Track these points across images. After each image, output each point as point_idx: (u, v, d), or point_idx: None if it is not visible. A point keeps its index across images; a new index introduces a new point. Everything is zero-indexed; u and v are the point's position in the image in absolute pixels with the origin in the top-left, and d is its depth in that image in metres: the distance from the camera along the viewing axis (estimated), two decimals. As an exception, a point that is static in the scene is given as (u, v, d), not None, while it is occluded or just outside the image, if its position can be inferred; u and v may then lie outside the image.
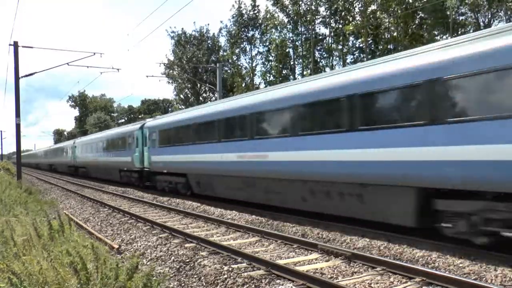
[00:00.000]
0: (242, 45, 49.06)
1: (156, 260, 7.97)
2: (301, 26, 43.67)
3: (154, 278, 5.16)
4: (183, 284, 6.52)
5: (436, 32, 34.49)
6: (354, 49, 41.86)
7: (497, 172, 6.89)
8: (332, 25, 41.88)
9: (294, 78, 41.47)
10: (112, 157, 27.06)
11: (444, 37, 32.72)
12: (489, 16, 32.67)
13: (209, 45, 54.46)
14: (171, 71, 56.08)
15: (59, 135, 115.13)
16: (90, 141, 35.02)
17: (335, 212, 10.37)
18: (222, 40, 54.48)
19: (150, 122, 22.75)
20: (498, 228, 7.11)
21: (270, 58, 47.23)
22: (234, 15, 48.26)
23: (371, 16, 37.02)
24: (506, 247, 7.12)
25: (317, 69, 41.39)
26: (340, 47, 42.23)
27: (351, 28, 37.23)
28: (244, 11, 47.88)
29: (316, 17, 42.30)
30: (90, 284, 4.57)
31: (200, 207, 15.03)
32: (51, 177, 41.85)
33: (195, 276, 6.85)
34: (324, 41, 43.73)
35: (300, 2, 42.06)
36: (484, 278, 6.17)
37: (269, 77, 46.62)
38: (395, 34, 36.95)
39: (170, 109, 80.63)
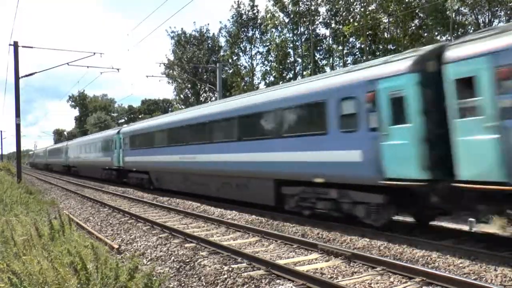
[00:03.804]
0: (241, 45, 49.04)
1: (156, 260, 7.97)
2: (301, 26, 43.66)
3: (155, 278, 5.16)
4: (183, 284, 6.52)
5: (436, 32, 34.49)
6: (354, 50, 41.88)
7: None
8: (332, 25, 41.89)
9: (295, 79, 41.44)
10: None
11: (444, 37, 32.75)
12: (489, 16, 32.67)
13: (209, 45, 54.44)
14: (171, 71, 56.08)
15: (59, 135, 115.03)
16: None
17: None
18: (222, 40, 54.43)
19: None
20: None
21: (270, 58, 47.23)
22: (234, 15, 48.26)
23: (370, 16, 37.02)
24: (506, 247, 7.13)
25: (318, 69, 41.38)
26: (340, 47, 42.25)
27: (350, 29, 37.26)
28: (243, 11, 47.87)
29: (316, 17, 42.32)
30: (90, 284, 4.57)
31: (200, 207, 15.03)
32: (51, 177, 41.86)
33: (195, 276, 6.85)
34: (325, 42, 43.74)
35: (300, 2, 42.05)
36: (484, 278, 6.17)
37: (269, 77, 46.63)
38: (394, 34, 36.97)
39: (170, 109, 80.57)
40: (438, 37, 33.56)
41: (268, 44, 46.87)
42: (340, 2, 38.56)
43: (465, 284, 5.68)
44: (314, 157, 10.46)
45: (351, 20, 38.83)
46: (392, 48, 35.83)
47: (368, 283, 6.15)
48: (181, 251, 8.36)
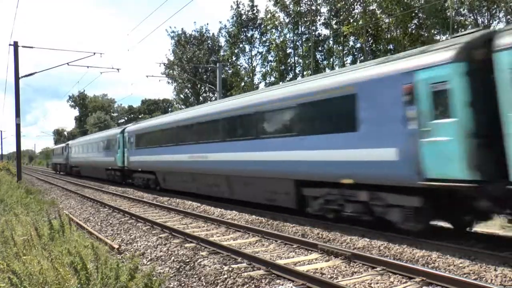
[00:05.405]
0: (241, 45, 49.00)
1: (156, 260, 7.97)
2: (302, 26, 43.63)
3: (155, 278, 5.16)
4: (183, 284, 6.52)
5: (436, 32, 34.52)
6: (354, 50, 41.86)
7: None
8: (332, 26, 41.87)
9: (295, 79, 41.41)
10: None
11: (444, 37, 32.74)
12: (488, 17, 32.67)
13: (209, 45, 54.43)
14: (171, 71, 56.07)
15: (59, 135, 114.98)
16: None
17: None
18: (222, 40, 54.38)
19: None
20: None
21: (270, 58, 47.22)
22: (233, 16, 48.24)
23: (371, 16, 37.01)
24: (506, 247, 7.13)
25: (318, 69, 41.35)
26: (340, 48, 42.23)
27: (350, 29, 37.26)
28: (243, 11, 47.84)
29: (317, 18, 42.29)
30: (90, 284, 4.57)
31: (200, 207, 15.03)
32: (51, 178, 41.86)
33: (195, 276, 6.85)
34: (325, 42, 43.70)
35: (301, 2, 42.01)
36: (484, 278, 6.17)
37: (270, 78, 46.60)
38: (394, 34, 36.97)
39: (170, 109, 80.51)
40: (438, 37, 33.59)
41: (268, 44, 46.85)
42: (341, 2, 38.54)
43: (465, 284, 5.68)
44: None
45: (351, 20, 38.82)
46: (392, 48, 35.85)
47: (368, 283, 6.15)
48: (181, 251, 8.36)
